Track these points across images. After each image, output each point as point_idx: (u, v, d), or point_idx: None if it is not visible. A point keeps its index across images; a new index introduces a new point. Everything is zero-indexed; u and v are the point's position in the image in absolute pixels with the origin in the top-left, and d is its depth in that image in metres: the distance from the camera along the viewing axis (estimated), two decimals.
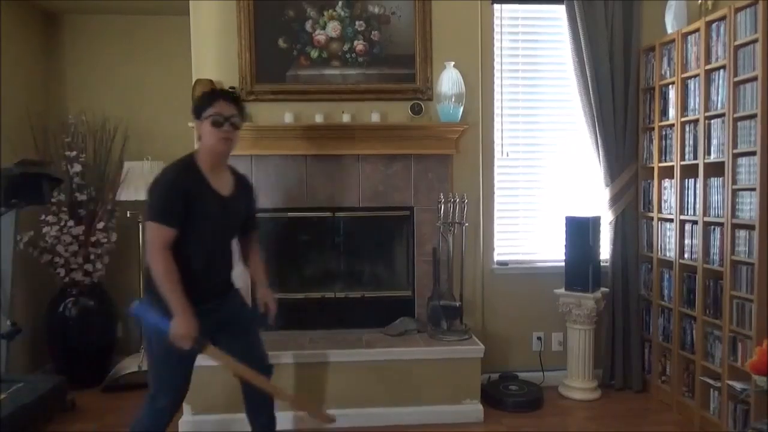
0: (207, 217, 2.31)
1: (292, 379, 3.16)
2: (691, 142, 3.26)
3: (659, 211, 3.53)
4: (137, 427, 2.45)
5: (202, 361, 3.12)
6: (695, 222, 3.20)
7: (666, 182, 3.48)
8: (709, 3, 3.23)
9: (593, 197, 3.76)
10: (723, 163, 2.96)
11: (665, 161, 3.48)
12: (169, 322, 2.23)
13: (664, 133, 3.50)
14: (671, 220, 3.41)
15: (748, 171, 2.82)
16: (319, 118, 3.47)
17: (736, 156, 2.89)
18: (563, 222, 3.59)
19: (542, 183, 3.85)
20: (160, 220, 2.24)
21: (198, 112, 2.37)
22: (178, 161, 2.39)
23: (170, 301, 2.22)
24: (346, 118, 3.47)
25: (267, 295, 2.63)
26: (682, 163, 3.31)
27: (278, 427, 3.08)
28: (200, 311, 2.28)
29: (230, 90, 2.46)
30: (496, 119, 3.74)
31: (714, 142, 3.06)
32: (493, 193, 3.76)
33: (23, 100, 3.78)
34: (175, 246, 2.26)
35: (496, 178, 3.77)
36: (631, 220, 3.71)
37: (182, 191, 2.26)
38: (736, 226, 2.91)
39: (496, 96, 3.74)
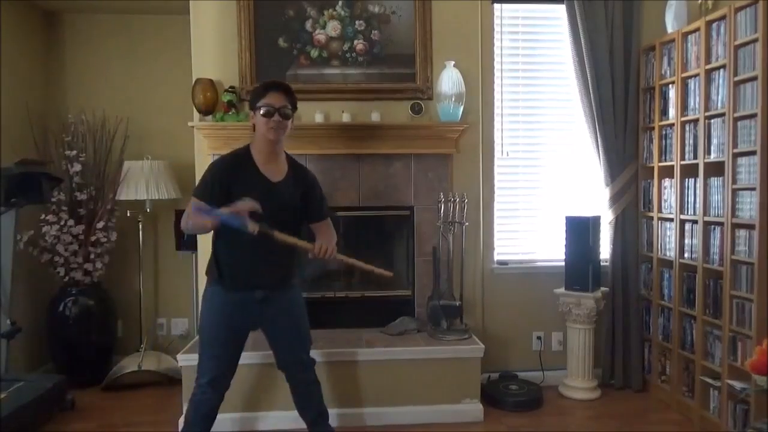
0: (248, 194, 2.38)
1: None
2: (691, 142, 3.26)
3: (659, 210, 3.53)
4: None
5: (197, 361, 3.13)
6: (695, 221, 3.20)
7: (666, 182, 3.48)
8: (710, 3, 3.23)
9: (593, 197, 3.76)
10: (723, 162, 2.96)
11: (665, 161, 3.48)
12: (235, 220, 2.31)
13: (664, 132, 3.50)
14: (671, 220, 3.41)
15: (748, 171, 2.82)
16: (319, 118, 3.47)
17: (736, 156, 2.89)
18: (563, 221, 3.59)
19: (542, 182, 3.85)
20: (196, 194, 2.45)
21: (252, 103, 2.53)
22: (234, 150, 2.58)
23: (206, 214, 2.32)
24: (346, 118, 3.48)
25: (328, 240, 2.64)
26: (682, 162, 3.31)
27: (280, 426, 3.10)
28: (245, 298, 2.50)
29: (282, 82, 2.58)
30: (496, 119, 3.74)
31: (714, 141, 3.06)
32: (493, 192, 3.76)
33: (23, 99, 3.78)
34: (219, 234, 2.47)
35: (496, 177, 3.77)
36: (631, 220, 3.71)
37: (225, 174, 2.45)
38: (736, 226, 2.91)
39: (496, 95, 3.74)
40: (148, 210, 3.81)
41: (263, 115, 2.46)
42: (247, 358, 3.06)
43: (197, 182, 2.55)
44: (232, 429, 3.10)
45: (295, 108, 2.56)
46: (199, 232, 2.74)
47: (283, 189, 2.54)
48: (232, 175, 2.46)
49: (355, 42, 3.55)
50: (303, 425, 3.05)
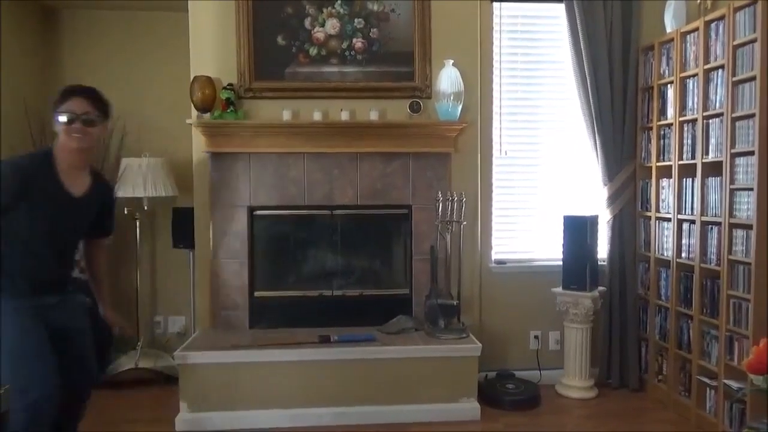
0: (47, 211, 2.22)
1: (290, 377, 3.16)
2: (690, 142, 3.26)
3: (657, 210, 3.54)
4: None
5: (199, 359, 3.14)
6: (693, 221, 3.21)
7: (664, 181, 3.48)
8: (708, 2, 3.24)
9: (591, 196, 3.76)
10: (721, 162, 2.97)
11: (663, 160, 3.48)
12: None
13: (662, 132, 3.51)
14: (669, 220, 3.41)
15: (746, 171, 2.82)
16: (317, 116, 3.46)
17: (734, 156, 2.90)
18: (561, 221, 3.59)
19: (540, 182, 3.85)
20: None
21: (54, 108, 2.29)
22: (36, 150, 2.34)
23: None
24: (344, 116, 3.47)
25: (113, 316, 2.58)
26: (680, 162, 3.31)
27: (277, 424, 3.10)
28: (33, 305, 2.22)
29: (87, 87, 2.36)
30: (495, 118, 3.74)
31: (712, 141, 3.07)
32: (491, 191, 3.76)
33: (21, 95, 3.76)
34: (7, 228, 2.18)
35: (495, 176, 3.77)
36: (629, 220, 3.71)
37: (27, 176, 2.19)
38: (733, 226, 2.91)
39: (495, 94, 3.74)
40: (145, 207, 3.80)
41: (63, 123, 2.23)
42: (230, 357, 3.07)
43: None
44: (209, 428, 3.10)
45: (106, 116, 2.32)
46: None
47: (84, 205, 2.32)
48: (33, 179, 2.18)
49: (354, 40, 3.54)
50: (286, 424, 3.09)
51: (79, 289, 2.53)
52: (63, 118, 2.23)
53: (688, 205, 3.26)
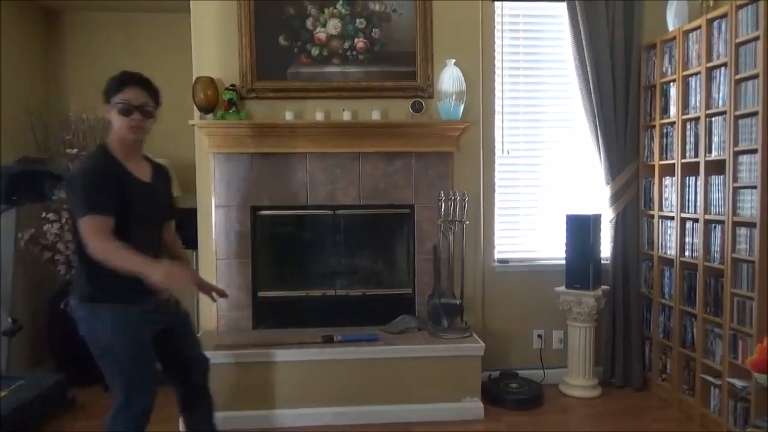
0: (132, 205, 2.16)
1: (293, 377, 3.17)
2: (692, 140, 3.25)
3: (660, 208, 3.53)
4: None
5: None
6: (696, 220, 3.20)
7: (667, 180, 3.48)
8: (711, 1, 3.23)
9: (594, 195, 3.76)
10: (724, 160, 2.96)
11: (666, 159, 3.48)
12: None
13: (665, 130, 3.50)
14: (672, 218, 3.41)
15: (749, 169, 2.82)
16: (319, 116, 3.46)
17: (737, 154, 2.89)
18: (564, 220, 3.59)
19: (543, 181, 3.84)
20: (100, 211, 2.06)
21: (106, 95, 2.21)
22: (92, 151, 2.30)
23: (137, 266, 2.03)
24: (346, 116, 3.47)
25: (204, 283, 2.54)
26: (683, 160, 3.31)
27: (278, 423, 3.10)
28: (137, 312, 2.17)
29: (141, 75, 2.31)
30: (497, 117, 3.74)
31: (715, 139, 3.06)
32: (494, 190, 3.76)
33: (24, 97, 3.78)
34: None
35: (497, 175, 3.76)
36: (632, 218, 3.71)
37: (108, 177, 2.13)
38: (736, 224, 2.91)
39: (497, 94, 3.74)
40: None
41: (120, 113, 2.17)
42: (234, 357, 3.07)
43: (82, 198, 2.09)
44: (224, 428, 3.09)
45: (158, 104, 2.29)
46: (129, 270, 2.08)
47: (157, 189, 2.33)
48: (113, 178, 2.14)
49: (356, 40, 3.54)
50: (287, 423, 3.10)
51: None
52: (121, 109, 2.17)
53: (692, 204, 3.25)
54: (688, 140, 3.29)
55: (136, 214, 2.17)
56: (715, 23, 3.05)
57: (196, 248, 3.63)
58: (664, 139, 3.50)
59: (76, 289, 2.22)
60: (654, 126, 3.57)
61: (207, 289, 2.51)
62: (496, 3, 3.69)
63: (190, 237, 3.70)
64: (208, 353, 3.14)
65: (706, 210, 3.11)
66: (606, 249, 3.70)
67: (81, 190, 2.10)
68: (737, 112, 2.87)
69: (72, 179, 2.21)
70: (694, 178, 3.22)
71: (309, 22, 3.51)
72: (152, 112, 2.26)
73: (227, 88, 3.43)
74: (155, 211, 2.31)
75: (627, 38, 3.63)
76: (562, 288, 3.59)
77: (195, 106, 3.45)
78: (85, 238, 2.06)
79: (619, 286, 3.68)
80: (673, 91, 3.39)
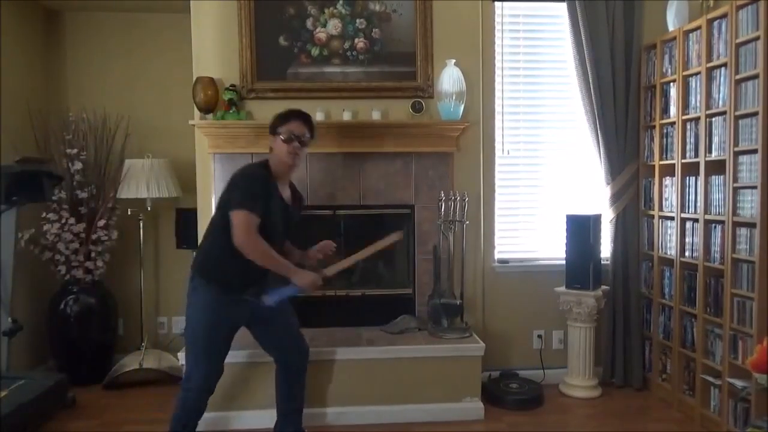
0: (271, 217, 2.55)
1: None
2: (693, 140, 3.25)
3: (660, 209, 3.53)
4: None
5: None
6: (696, 220, 3.20)
7: (667, 180, 3.48)
8: (711, 1, 3.23)
9: (594, 195, 3.76)
10: (724, 160, 2.96)
11: (666, 159, 3.48)
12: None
13: (665, 130, 3.50)
14: (672, 218, 3.41)
15: (749, 169, 2.82)
16: (319, 116, 3.46)
17: (737, 154, 2.89)
18: (564, 220, 3.59)
19: (543, 181, 3.84)
20: (253, 208, 2.47)
21: (273, 127, 2.67)
22: (257, 163, 2.70)
23: (283, 267, 2.55)
24: (346, 116, 3.47)
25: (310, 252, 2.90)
26: (683, 161, 3.31)
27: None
28: (239, 299, 2.60)
29: (303, 112, 2.74)
30: (497, 117, 3.74)
31: (715, 139, 3.06)
32: (494, 191, 3.76)
33: (24, 97, 3.78)
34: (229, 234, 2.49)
35: (497, 176, 3.76)
36: (632, 218, 3.71)
37: (266, 189, 2.56)
38: (737, 224, 2.90)
39: (497, 94, 3.74)
40: (148, 208, 3.81)
41: (284, 141, 2.61)
42: (233, 357, 3.06)
43: (242, 194, 2.49)
44: (205, 429, 3.09)
45: (313, 136, 2.73)
46: (269, 268, 2.59)
47: (293, 211, 2.75)
48: (267, 191, 2.58)
49: (356, 40, 3.54)
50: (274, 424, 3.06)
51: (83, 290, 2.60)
52: (284, 137, 2.61)
53: (692, 204, 3.25)
54: (688, 140, 3.29)
55: (271, 224, 2.56)
56: (716, 23, 3.05)
57: (196, 248, 3.62)
58: (665, 140, 3.50)
59: (194, 263, 2.66)
60: (654, 126, 3.57)
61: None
62: (496, 3, 3.69)
63: (190, 237, 3.71)
64: None
65: (706, 210, 3.11)
66: (606, 249, 3.69)
67: (242, 187, 2.52)
68: (737, 113, 2.87)
69: (236, 177, 2.59)
70: (694, 178, 3.22)
71: (309, 22, 3.51)
72: (308, 142, 2.70)
73: (227, 89, 3.43)
74: (285, 229, 2.70)
75: (627, 38, 3.63)
76: (562, 288, 3.59)
77: (195, 106, 3.45)
78: (235, 229, 2.46)
79: (619, 286, 3.68)
80: (674, 92, 3.39)
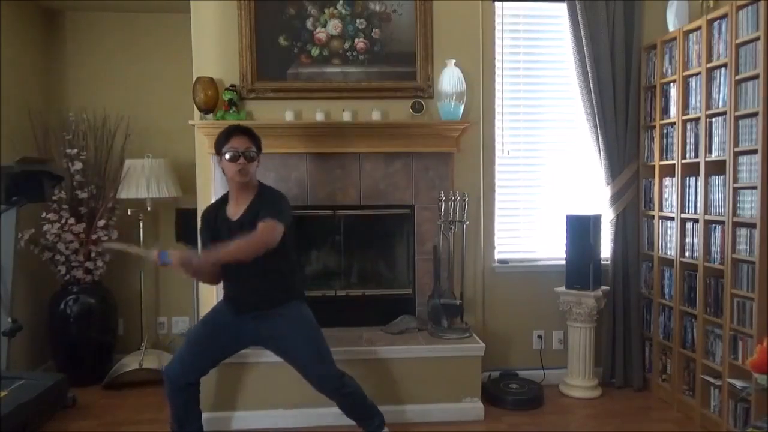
0: (217, 238, 2.62)
1: (292, 377, 3.16)
2: (693, 140, 3.25)
3: (660, 209, 3.53)
4: None
5: None
6: (696, 220, 3.20)
7: (667, 180, 3.48)
8: (711, 1, 3.23)
9: (594, 195, 3.76)
10: (724, 161, 2.96)
11: (666, 159, 3.48)
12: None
13: (665, 131, 3.50)
14: (672, 219, 3.40)
15: (750, 169, 2.81)
16: (319, 116, 3.46)
17: (737, 154, 2.89)
18: (564, 220, 3.59)
19: (543, 181, 3.84)
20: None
21: (217, 148, 2.68)
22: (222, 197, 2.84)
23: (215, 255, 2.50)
24: (346, 116, 3.47)
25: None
26: (684, 161, 3.30)
27: (278, 424, 3.11)
28: (239, 320, 2.72)
29: (243, 126, 2.75)
30: (497, 117, 3.74)
31: (715, 140, 3.06)
32: (494, 191, 3.76)
33: (24, 97, 3.78)
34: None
35: (497, 176, 3.76)
36: (632, 219, 3.71)
37: (204, 222, 2.77)
38: (737, 225, 2.90)
39: (497, 94, 3.74)
40: (148, 208, 3.81)
41: (229, 160, 2.62)
42: (233, 357, 3.06)
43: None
44: (205, 429, 3.09)
45: (259, 149, 2.72)
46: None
47: (240, 222, 2.66)
48: (208, 221, 2.77)
49: (356, 40, 3.54)
50: (288, 424, 3.14)
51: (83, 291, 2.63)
52: (228, 156, 2.62)
53: (692, 204, 3.25)
54: (688, 141, 3.29)
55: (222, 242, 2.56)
56: (716, 24, 3.05)
57: (196, 248, 3.62)
58: (665, 140, 3.50)
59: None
60: (654, 126, 3.57)
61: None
62: (496, 3, 3.69)
63: (190, 237, 3.71)
64: None
65: (707, 210, 3.11)
66: (606, 249, 3.69)
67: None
68: (737, 113, 2.87)
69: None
70: (694, 178, 3.22)
71: (309, 23, 3.51)
72: (255, 156, 2.68)
73: (227, 89, 3.43)
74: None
75: (627, 38, 3.63)
76: (562, 288, 3.59)
77: (195, 106, 3.44)
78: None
79: (620, 286, 3.68)
80: (674, 92, 3.39)
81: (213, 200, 3.50)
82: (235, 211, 2.70)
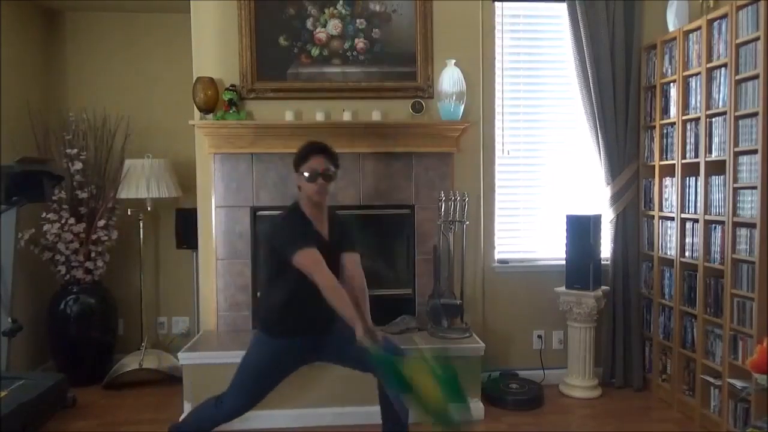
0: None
1: (291, 377, 3.15)
2: (693, 140, 3.25)
3: (660, 209, 3.53)
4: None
5: (202, 360, 3.16)
6: (696, 220, 3.20)
7: (667, 180, 3.48)
8: (711, 1, 3.23)
9: (594, 195, 3.76)
10: (724, 161, 2.96)
11: (666, 159, 3.48)
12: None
13: (665, 131, 3.50)
14: (672, 219, 3.40)
15: (749, 169, 2.81)
16: (319, 116, 3.47)
17: (737, 154, 2.89)
18: (564, 220, 3.59)
19: (543, 181, 3.84)
20: (303, 244, 2.37)
21: (295, 165, 2.54)
22: (288, 209, 2.59)
23: (349, 313, 2.34)
24: (347, 116, 3.47)
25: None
26: (684, 161, 3.31)
27: (278, 424, 3.10)
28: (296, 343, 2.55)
29: (322, 144, 2.57)
30: (497, 117, 3.74)
31: (715, 140, 3.06)
32: (494, 191, 3.76)
33: (24, 97, 3.78)
34: (283, 276, 2.46)
35: (497, 176, 3.76)
36: (632, 219, 3.71)
37: (303, 226, 2.48)
38: (737, 225, 2.90)
39: (497, 94, 3.74)
40: (148, 208, 3.81)
41: (308, 180, 2.48)
42: (234, 357, 3.06)
43: (281, 234, 2.48)
44: (224, 428, 3.09)
45: (337, 167, 2.57)
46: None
47: (329, 243, 2.55)
48: (305, 233, 2.48)
49: (356, 40, 3.54)
50: (288, 424, 3.12)
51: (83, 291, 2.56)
52: (307, 177, 2.48)
53: (692, 204, 3.25)
54: (688, 141, 3.29)
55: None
56: (716, 24, 3.05)
57: (196, 248, 3.63)
58: (665, 140, 3.50)
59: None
60: (654, 126, 3.57)
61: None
62: (497, 3, 3.69)
63: (190, 237, 3.72)
64: (207, 353, 3.17)
65: (707, 210, 3.11)
66: (606, 249, 3.69)
67: (287, 231, 2.46)
68: (737, 113, 2.87)
69: (273, 227, 2.58)
70: (694, 178, 3.22)
71: (309, 23, 3.51)
72: (333, 176, 2.53)
73: (227, 89, 3.43)
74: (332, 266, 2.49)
75: (627, 38, 3.63)
76: (562, 288, 3.59)
77: (195, 106, 3.45)
78: (309, 269, 2.36)
79: (620, 286, 3.68)
80: (674, 92, 3.39)
81: (213, 200, 3.53)
82: (321, 229, 2.55)
